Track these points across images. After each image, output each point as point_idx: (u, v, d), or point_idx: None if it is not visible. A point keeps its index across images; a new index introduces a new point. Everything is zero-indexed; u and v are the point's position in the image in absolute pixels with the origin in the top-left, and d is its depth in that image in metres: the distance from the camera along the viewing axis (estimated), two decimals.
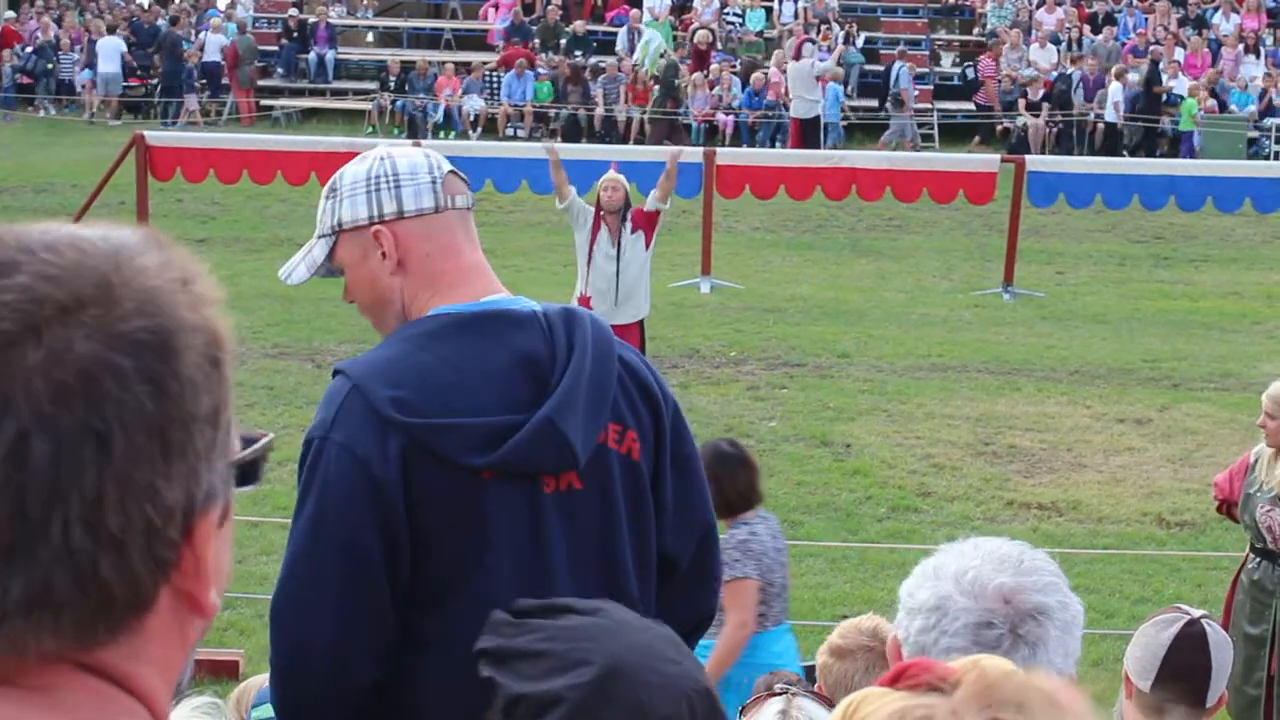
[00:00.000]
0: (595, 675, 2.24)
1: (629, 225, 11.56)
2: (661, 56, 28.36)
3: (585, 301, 11.57)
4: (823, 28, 29.82)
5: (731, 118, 27.51)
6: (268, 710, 3.07)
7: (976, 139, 27.75)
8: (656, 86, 27.79)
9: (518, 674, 2.28)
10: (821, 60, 27.82)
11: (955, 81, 30.00)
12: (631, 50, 29.10)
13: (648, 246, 11.63)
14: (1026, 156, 19.62)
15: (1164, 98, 27.08)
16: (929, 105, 29.01)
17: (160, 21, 31.05)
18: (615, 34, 29.91)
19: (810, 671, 4.42)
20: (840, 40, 29.65)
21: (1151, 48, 28.21)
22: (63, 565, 1.08)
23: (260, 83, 29.72)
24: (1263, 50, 28.75)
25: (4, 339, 1.06)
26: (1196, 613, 3.92)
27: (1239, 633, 6.52)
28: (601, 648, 2.29)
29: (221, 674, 7.78)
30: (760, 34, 30.06)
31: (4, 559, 1.07)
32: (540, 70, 28.67)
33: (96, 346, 1.08)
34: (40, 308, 1.07)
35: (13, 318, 1.07)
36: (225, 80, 29.51)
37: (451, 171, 2.95)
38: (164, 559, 1.12)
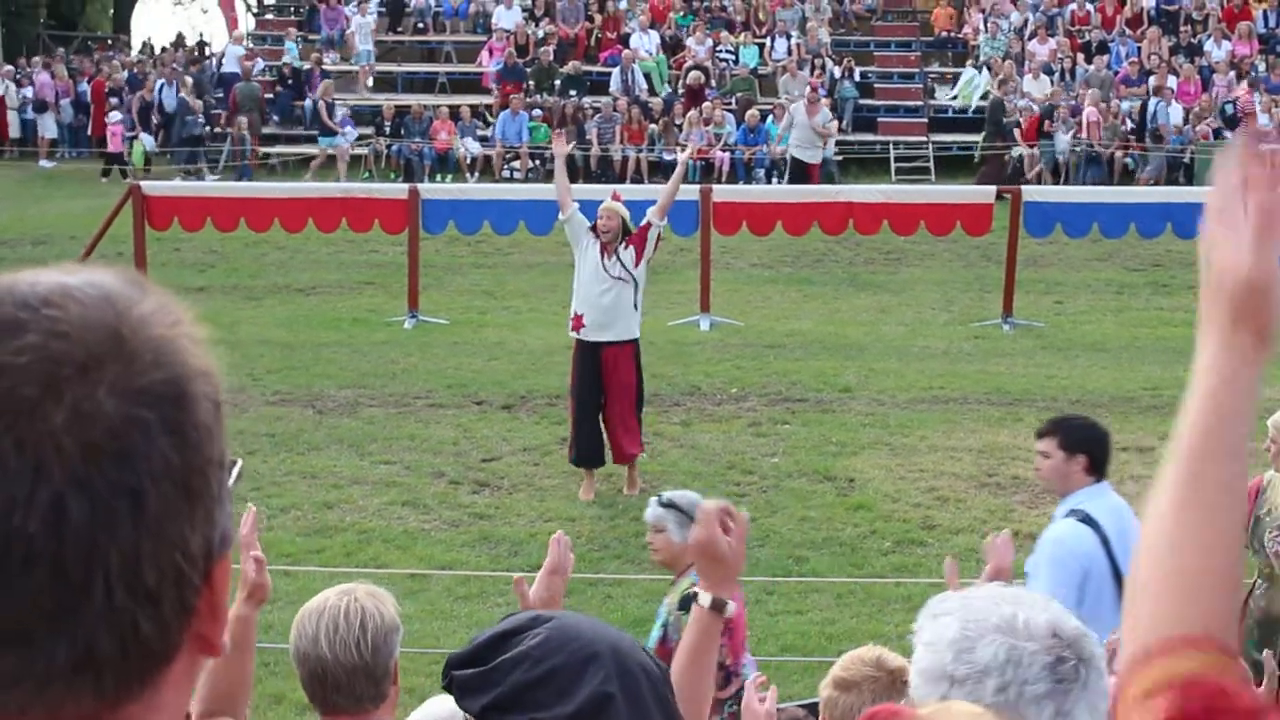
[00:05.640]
0: (611, 662, 2.30)
1: (620, 249, 11.66)
2: (984, 98, 28.44)
3: (579, 321, 11.67)
4: (815, 61, 29.94)
5: (727, 155, 27.56)
6: None
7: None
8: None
9: (543, 704, 2.29)
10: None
11: (949, 114, 30.14)
12: (626, 90, 29.19)
13: (638, 264, 11.67)
14: (1023, 187, 19.64)
15: None
16: (924, 138, 29.11)
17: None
18: (609, 74, 30.01)
19: (815, 708, 4.40)
20: (836, 77, 29.78)
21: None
22: (105, 625, 1.07)
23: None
24: (1255, 77, 28.83)
25: (27, 403, 1.05)
26: None
27: (1246, 660, 6.49)
28: (586, 639, 2.35)
29: None
30: (754, 71, 30.16)
31: (49, 624, 1.06)
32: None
33: (121, 403, 1.07)
34: (59, 367, 1.06)
35: (33, 380, 1.05)
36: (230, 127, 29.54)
37: None
38: (191, 606, 1.12)
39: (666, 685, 2.44)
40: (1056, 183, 25.88)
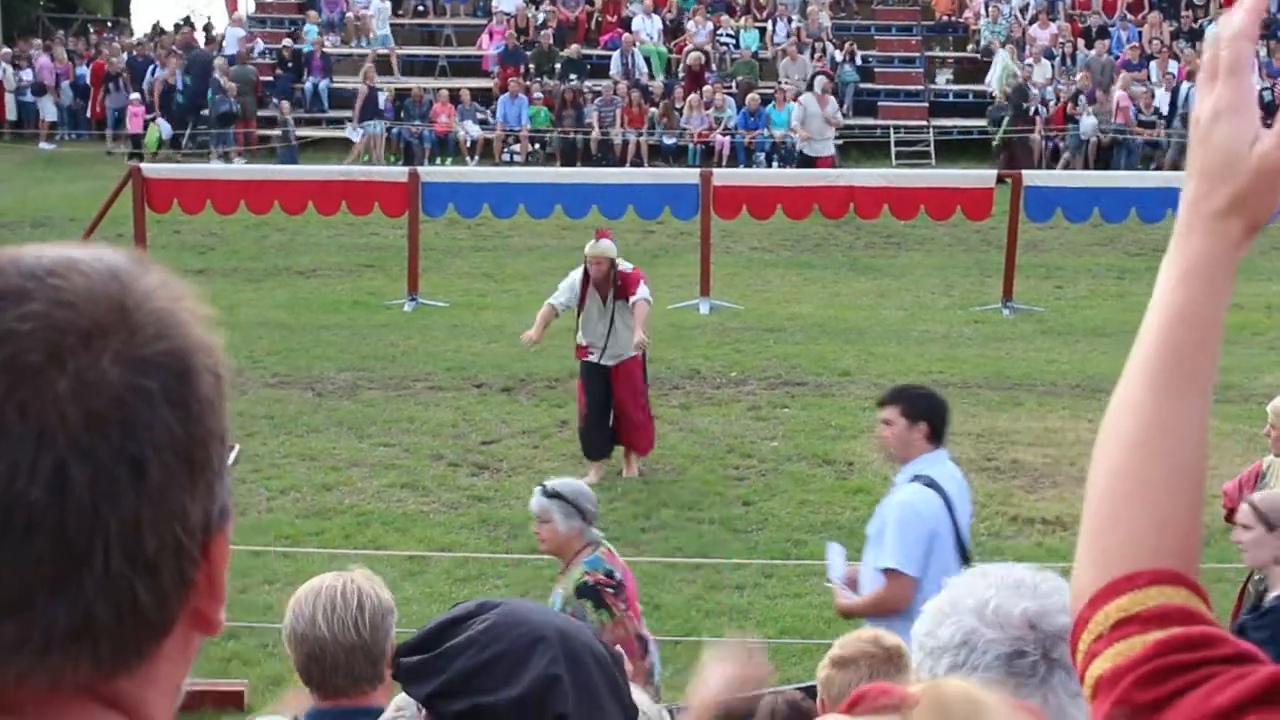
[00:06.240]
0: (558, 645, 2.32)
1: (614, 292, 11.68)
2: (1013, 77, 28.27)
3: (583, 350, 11.74)
4: (816, 45, 29.90)
5: (728, 138, 27.53)
6: None
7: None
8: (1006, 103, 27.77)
9: (489, 689, 2.30)
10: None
11: (949, 99, 30.10)
12: (626, 74, 29.15)
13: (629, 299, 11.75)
14: (1023, 172, 19.62)
15: None
16: (924, 122, 29.07)
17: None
18: (609, 57, 29.96)
19: (813, 690, 4.41)
20: (836, 61, 29.74)
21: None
22: (104, 593, 1.07)
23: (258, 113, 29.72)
24: (1256, 62, 28.78)
25: (30, 369, 1.05)
26: None
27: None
28: (533, 624, 2.37)
29: (226, 705, 7.73)
30: (755, 54, 30.12)
31: (49, 591, 1.06)
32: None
33: (124, 372, 1.07)
34: (63, 335, 1.07)
35: (37, 347, 1.06)
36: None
37: None
38: (189, 578, 1.12)
39: (618, 668, 2.45)
40: (1087, 168, 25.85)
